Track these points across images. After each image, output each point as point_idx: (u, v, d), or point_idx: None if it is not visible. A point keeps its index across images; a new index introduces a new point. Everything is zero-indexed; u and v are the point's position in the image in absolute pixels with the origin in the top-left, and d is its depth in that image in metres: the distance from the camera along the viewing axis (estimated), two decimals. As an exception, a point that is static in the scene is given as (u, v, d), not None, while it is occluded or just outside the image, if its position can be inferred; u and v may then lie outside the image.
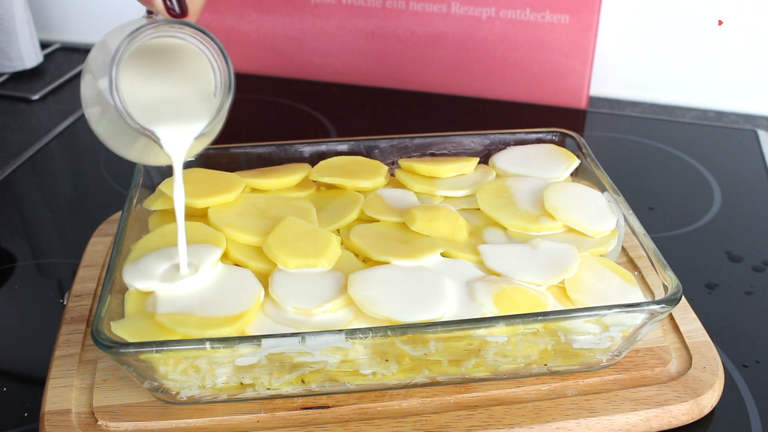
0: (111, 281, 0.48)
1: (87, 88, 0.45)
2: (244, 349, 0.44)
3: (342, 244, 0.54)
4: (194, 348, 0.43)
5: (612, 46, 0.94)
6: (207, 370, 0.46)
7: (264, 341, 0.43)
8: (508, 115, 0.93)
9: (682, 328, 0.55)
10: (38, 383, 0.52)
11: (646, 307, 0.46)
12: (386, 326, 0.45)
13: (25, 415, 0.51)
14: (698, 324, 0.55)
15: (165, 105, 0.45)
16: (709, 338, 0.54)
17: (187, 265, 0.49)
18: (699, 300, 0.61)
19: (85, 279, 0.60)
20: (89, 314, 0.56)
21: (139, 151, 0.48)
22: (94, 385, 0.50)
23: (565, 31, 0.90)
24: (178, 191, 0.48)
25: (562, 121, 0.91)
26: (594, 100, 0.97)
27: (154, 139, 0.45)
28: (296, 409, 0.49)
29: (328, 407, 0.49)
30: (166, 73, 0.46)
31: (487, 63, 0.95)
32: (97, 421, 0.47)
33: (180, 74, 0.46)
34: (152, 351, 0.43)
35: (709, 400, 0.50)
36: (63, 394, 0.49)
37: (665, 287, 0.48)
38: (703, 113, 0.95)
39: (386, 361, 0.47)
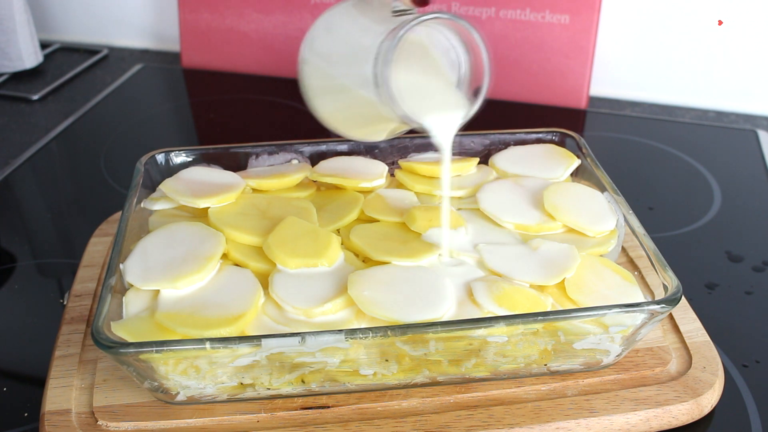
0: (111, 281, 0.48)
1: (313, 77, 0.50)
2: (243, 349, 0.44)
3: (342, 244, 0.54)
4: (194, 348, 0.43)
5: (612, 46, 0.94)
6: (207, 370, 0.46)
7: (264, 341, 0.43)
8: (508, 115, 0.93)
9: (682, 328, 0.55)
10: (38, 383, 0.52)
11: (646, 307, 0.46)
12: (386, 326, 0.45)
13: (25, 415, 0.51)
14: (698, 324, 0.55)
15: (423, 95, 0.48)
16: (709, 338, 0.54)
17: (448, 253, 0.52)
18: (699, 300, 0.61)
19: (85, 279, 0.60)
20: (89, 314, 0.56)
21: (370, 132, 0.53)
22: (94, 385, 0.50)
23: (565, 31, 0.90)
24: (445, 173, 0.52)
25: (562, 121, 0.91)
26: (594, 100, 0.97)
27: (422, 128, 0.48)
28: (296, 409, 0.49)
29: (328, 407, 0.49)
30: (412, 64, 0.48)
31: (487, 63, 0.95)
32: (97, 421, 0.47)
33: (424, 64, 0.49)
34: (152, 351, 0.43)
35: (709, 400, 0.50)
36: (63, 394, 0.49)
37: (665, 287, 0.48)
38: (703, 113, 0.95)
39: (386, 361, 0.47)
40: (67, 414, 0.48)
